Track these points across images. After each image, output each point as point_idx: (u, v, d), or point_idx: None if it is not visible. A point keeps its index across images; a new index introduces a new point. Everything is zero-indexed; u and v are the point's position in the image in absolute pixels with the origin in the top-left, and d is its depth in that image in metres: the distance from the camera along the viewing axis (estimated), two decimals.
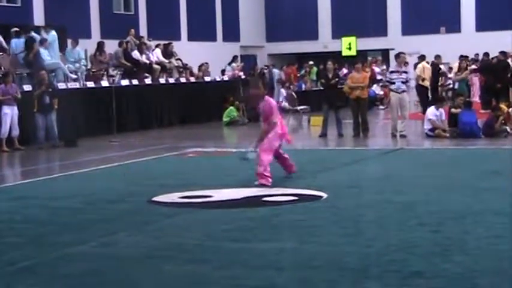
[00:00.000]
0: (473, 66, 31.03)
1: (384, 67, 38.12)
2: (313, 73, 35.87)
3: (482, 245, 8.07)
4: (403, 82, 20.88)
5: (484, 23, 40.46)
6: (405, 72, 21.44)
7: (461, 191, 11.62)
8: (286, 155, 13.25)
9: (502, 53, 30.36)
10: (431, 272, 7.09)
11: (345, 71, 32.89)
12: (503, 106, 21.16)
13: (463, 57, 30.64)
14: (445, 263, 7.37)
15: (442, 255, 7.67)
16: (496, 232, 8.62)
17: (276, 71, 33.77)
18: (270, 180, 12.53)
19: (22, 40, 23.44)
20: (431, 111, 20.65)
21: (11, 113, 20.29)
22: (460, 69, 28.54)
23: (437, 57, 31.51)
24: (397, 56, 21.87)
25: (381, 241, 8.38)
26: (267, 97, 13.05)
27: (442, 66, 30.48)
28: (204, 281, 7.18)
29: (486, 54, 31.47)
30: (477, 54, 33.52)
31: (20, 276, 7.53)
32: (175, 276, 7.31)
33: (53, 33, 24.07)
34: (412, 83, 27.07)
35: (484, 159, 15.74)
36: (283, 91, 32.74)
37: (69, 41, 25.74)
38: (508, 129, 20.02)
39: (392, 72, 21.60)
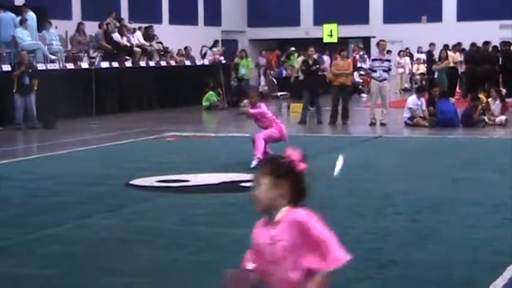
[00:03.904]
0: (459, 58, 31.20)
1: (362, 53, 38.16)
2: (293, 59, 35.79)
3: (457, 234, 8.11)
4: (384, 70, 20.86)
5: (465, 13, 40.56)
6: (388, 60, 21.41)
7: (438, 180, 11.66)
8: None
9: (503, 43, 30.43)
10: (407, 261, 7.13)
11: (324, 58, 32.84)
12: (482, 96, 21.22)
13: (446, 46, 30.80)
14: (421, 252, 7.40)
15: (417, 244, 7.71)
16: (471, 222, 8.67)
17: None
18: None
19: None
20: (412, 99, 20.70)
21: None
22: (440, 58, 28.55)
23: (432, 45, 31.68)
24: (378, 44, 21.87)
25: (357, 229, 8.40)
26: (259, 104, 13.54)
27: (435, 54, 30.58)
28: (178, 265, 7.18)
29: (473, 44, 31.53)
30: (460, 43, 33.65)
31: None
32: (150, 260, 7.30)
33: (31, 13, 23.85)
34: (394, 71, 27.20)
35: (461, 149, 15.79)
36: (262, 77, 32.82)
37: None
38: (486, 119, 20.11)
39: (374, 60, 21.56)
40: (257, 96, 14.12)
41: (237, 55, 33.76)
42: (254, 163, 12.80)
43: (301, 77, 22.55)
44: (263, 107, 13.52)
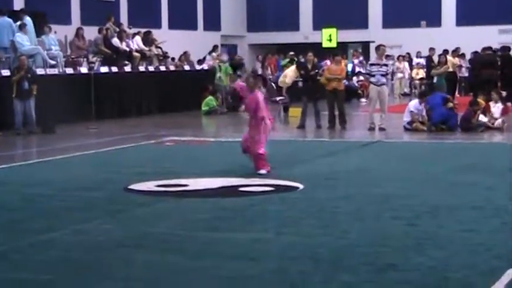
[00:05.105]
0: (458, 62, 31.20)
1: (361, 58, 38.16)
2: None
3: (456, 239, 8.09)
4: (382, 75, 20.88)
5: (464, 18, 40.58)
6: (385, 65, 21.47)
7: (437, 184, 11.66)
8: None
9: (504, 47, 30.40)
10: (405, 265, 7.11)
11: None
12: (481, 101, 21.22)
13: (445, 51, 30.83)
14: (419, 256, 7.39)
15: (416, 248, 7.69)
16: (469, 226, 8.65)
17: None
18: (269, 168, 12.81)
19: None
20: (414, 103, 20.71)
21: None
22: (439, 63, 28.55)
23: (431, 50, 31.66)
24: (377, 48, 21.85)
25: (356, 233, 8.39)
26: (256, 91, 13.00)
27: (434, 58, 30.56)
28: (176, 270, 7.15)
29: (487, 48, 31.52)
30: (458, 48, 33.68)
31: None
32: (148, 265, 7.28)
33: (28, 18, 23.83)
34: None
35: (460, 153, 15.78)
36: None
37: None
38: (486, 121, 20.13)
39: (372, 64, 21.55)
40: (254, 79, 13.08)
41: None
42: (263, 172, 12.75)
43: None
44: (259, 96, 12.88)
